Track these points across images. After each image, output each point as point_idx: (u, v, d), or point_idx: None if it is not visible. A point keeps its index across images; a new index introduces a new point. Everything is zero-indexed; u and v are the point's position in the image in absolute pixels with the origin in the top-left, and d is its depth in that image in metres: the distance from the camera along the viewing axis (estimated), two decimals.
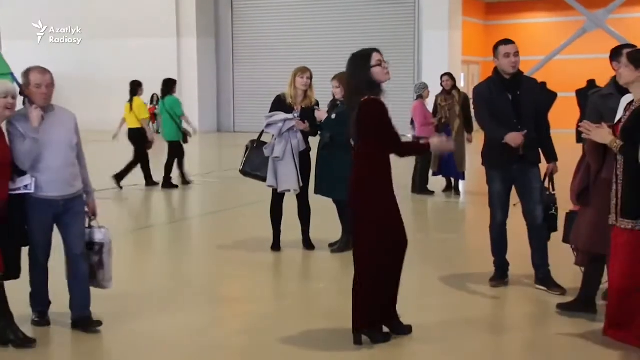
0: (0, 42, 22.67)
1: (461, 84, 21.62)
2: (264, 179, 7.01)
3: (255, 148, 7.10)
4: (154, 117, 23.87)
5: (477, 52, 24.07)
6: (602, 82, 8.16)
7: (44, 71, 4.69)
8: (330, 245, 7.25)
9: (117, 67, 23.48)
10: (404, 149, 4.65)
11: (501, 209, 5.86)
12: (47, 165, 4.61)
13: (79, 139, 4.84)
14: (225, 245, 7.65)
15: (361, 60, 4.51)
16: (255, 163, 7.06)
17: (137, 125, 11.75)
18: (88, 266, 4.86)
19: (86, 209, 4.89)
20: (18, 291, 4.76)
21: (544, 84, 14.06)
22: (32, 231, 4.68)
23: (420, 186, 10.78)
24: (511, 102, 5.64)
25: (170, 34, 23.79)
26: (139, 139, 11.56)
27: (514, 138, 5.49)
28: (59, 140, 4.67)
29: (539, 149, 5.80)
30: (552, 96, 14.10)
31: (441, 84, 10.77)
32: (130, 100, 12.18)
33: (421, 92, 10.88)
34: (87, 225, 4.90)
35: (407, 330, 4.79)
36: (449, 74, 10.91)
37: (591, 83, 12.58)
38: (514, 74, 5.66)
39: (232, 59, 24.50)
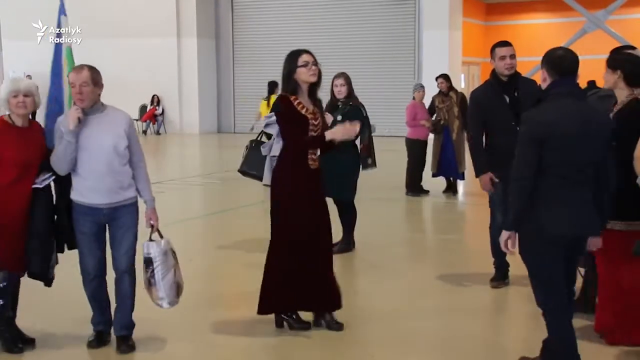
0: (0, 42, 22.68)
1: (461, 85, 21.62)
2: (261, 178, 7.00)
3: (254, 148, 7.09)
4: (154, 118, 23.91)
5: (478, 53, 24.06)
6: (602, 83, 8.19)
7: (79, 69, 4.37)
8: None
9: (117, 67, 23.45)
10: (305, 144, 4.74)
11: (501, 209, 5.87)
12: (89, 171, 4.34)
13: (134, 143, 4.48)
14: (225, 246, 7.65)
15: (290, 59, 4.73)
16: (253, 162, 7.04)
17: None
18: (132, 284, 4.57)
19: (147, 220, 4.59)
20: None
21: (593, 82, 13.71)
22: (78, 240, 4.46)
23: (411, 186, 10.74)
24: (509, 104, 5.65)
25: (171, 34, 23.79)
26: None
27: (483, 183, 5.74)
28: (102, 145, 4.34)
29: None
30: None
31: (437, 86, 10.74)
32: (267, 98, 12.91)
33: (413, 93, 10.85)
34: (149, 239, 4.55)
35: (306, 326, 4.91)
36: (444, 76, 10.79)
37: (591, 84, 12.52)
38: (511, 76, 5.67)
39: (232, 60, 24.50)
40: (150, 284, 4.50)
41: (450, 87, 10.70)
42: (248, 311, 5.46)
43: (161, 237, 4.59)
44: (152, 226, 4.58)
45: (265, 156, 6.93)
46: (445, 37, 20.92)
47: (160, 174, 11.57)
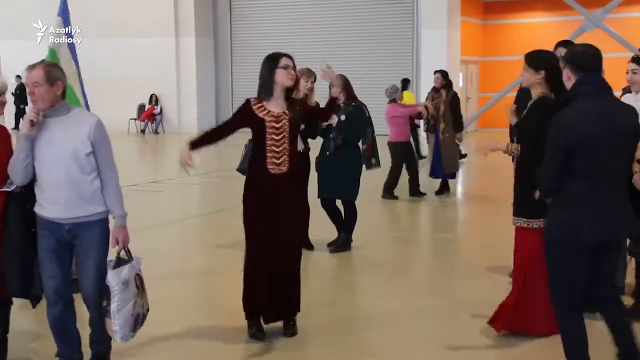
0: None
1: (459, 84, 21.61)
2: None
3: (252, 147, 7.09)
4: (152, 117, 23.90)
5: (476, 52, 24.06)
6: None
7: (32, 67, 3.85)
8: (329, 244, 7.27)
9: (117, 67, 23.49)
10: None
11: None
12: (46, 180, 3.86)
13: (102, 150, 3.88)
14: (225, 245, 7.65)
15: (270, 60, 4.72)
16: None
17: None
18: (98, 311, 4.04)
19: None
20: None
21: None
22: (39, 257, 3.97)
23: (413, 189, 10.62)
24: None
25: (169, 33, 23.78)
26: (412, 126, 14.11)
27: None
28: (60, 150, 3.82)
29: None
30: None
31: (433, 81, 10.64)
32: (401, 95, 13.41)
33: (394, 95, 10.52)
34: (117, 257, 3.98)
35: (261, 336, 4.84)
36: (441, 71, 10.60)
37: None
38: None
39: (230, 59, 24.50)
40: (105, 314, 3.97)
41: (445, 85, 10.46)
42: None
43: (130, 259, 4.03)
44: (118, 245, 3.97)
45: None
46: (444, 36, 20.92)
47: (159, 173, 11.57)
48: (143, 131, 23.66)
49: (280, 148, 4.65)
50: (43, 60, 4.21)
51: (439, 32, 20.94)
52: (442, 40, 20.88)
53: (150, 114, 23.81)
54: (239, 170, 7.16)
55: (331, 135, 6.94)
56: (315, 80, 6.98)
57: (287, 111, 4.68)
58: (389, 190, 10.49)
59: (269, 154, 4.65)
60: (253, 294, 4.82)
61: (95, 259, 3.95)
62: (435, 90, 10.55)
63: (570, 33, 21.23)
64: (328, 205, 7.22)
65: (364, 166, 7.32)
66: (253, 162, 4.82)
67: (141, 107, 24.09)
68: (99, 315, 4.03)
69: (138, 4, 23.60)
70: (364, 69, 20.64)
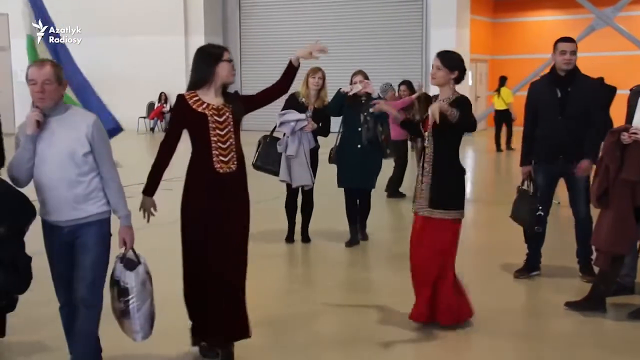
0: (9, 40, 22.79)
1: (469, 82, 21.56)
2: (275, 173, 7.18)
3: (268, 143, 7.24)
4: (161, 115, 23.95)
5: (485, 50, 24.00)
6: (610, 79, 8.20)
7: (41, 64, 3.77)
8: (347, 244, 7.51)
9: (126, 65, 23.55)
10: (159, 149, 4.53)
11: (542, 202, 5.94)
12: (45, 182, 3.77)
13: (100, 149, 3.82)
14: None
15: (213, 51, 4.32)
16: (267, 158, 7.22)
17: (504, 107, 16.83)
18: (90, 319, 3.89)
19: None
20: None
21: (601, 79, 13.25)
22: (49, 262, 3.98)
23: (394, 188, 10.64)
24: (559, 99, 5.79)
25: (178, 32, 23.83)
26: (507, 118, 16.80)
27: (522, 173, 6.01)
28: (57, 149, 3.74)
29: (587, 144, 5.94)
30: (613, 90, 13.15)
31: (400, 94, 10.62)
32: (498, 90, 16.61)
33: (385, 94, 10.56)
34: (120, 261, 3.98)
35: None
36: (406, 83, 10.65)
37: (600, 80, 12.38)
38: (569, 71, 5.81)
39: (239, 58, 24.51)
40: (123, 315, 3.98)
41: (412, 93, 10.52)
42: (257, 305, 5.47)
43: (138, 260, 3.99)
44: (125, 247, 3.95)
45: (280, 152, 7.12)
46: (453, 35, 20.88)
47: (168, 172, 11.51)
48: (152, 129, 23.73)
49: (227, 144, 4.29)
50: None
51: (449, 30, 20.90)
52: (452, 39, 20.83)
53: (159, 112, 23.86)
54: (255, 165, 7.25)
55: (359, 129, 7.07)
56: (324, 77, 7.06)
57: (226, 103, 4.31)
58: (392, 189, 10.58)
59: (215, 152, 4.26)
60: (197, 315, 4.45)
61: (92, 260, 3.83)
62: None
63: (580, 31, 21.19)
64: (353, 197, 7.37)
65: None
66: (195, 163, 4.39)
67: (150, 106, 24.15)
68: (89, 326, 3.90)
69: (148, 2, 23.65)
70: (373, 68, 20.55)
